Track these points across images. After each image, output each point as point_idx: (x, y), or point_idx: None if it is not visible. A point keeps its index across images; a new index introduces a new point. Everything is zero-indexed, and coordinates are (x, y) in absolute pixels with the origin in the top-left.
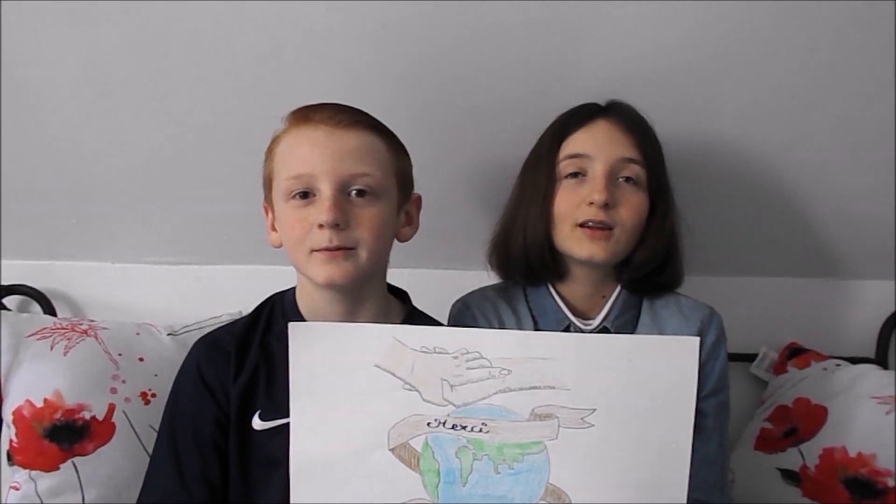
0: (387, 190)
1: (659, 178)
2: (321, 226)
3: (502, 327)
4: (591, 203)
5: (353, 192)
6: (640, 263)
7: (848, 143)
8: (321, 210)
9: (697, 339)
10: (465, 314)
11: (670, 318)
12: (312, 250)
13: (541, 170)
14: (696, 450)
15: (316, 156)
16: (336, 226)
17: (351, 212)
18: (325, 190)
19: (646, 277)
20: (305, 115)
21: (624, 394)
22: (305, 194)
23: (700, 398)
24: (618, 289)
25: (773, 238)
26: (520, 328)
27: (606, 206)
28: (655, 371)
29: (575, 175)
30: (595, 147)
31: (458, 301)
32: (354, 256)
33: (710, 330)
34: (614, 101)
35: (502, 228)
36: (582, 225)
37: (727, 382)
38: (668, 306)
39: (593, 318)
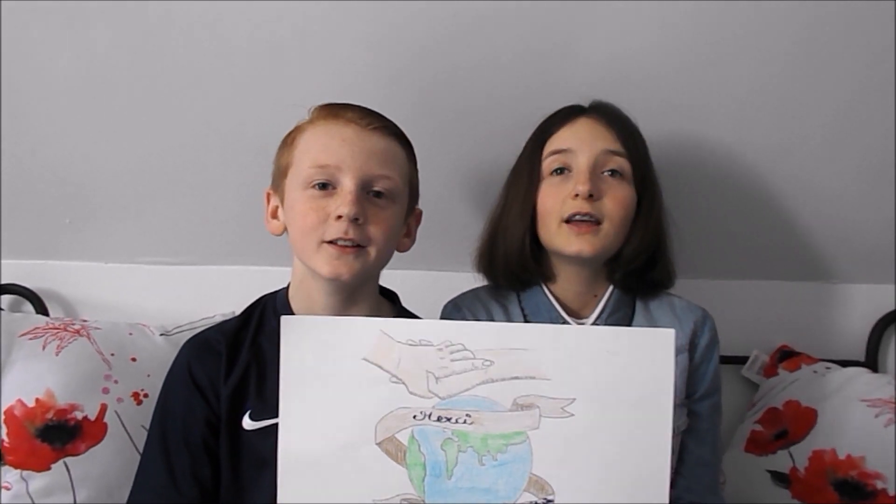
0: (401, 196)
1: (644, 172)
2: (339, 217)
3: None
4: (576, 196)
5: (373, 192)
6: (629, 258)
7: (840, 147)
8: (343, 202)
9: (672, 331)
10: (455, 315)
11: (663, 318)
12: (323, 241)
13: (522, 172)
14: (690, 451)
15: (345, 151)
16: (355, 220)
17: (368, 210)
18: (349, 184)
19: (637, 275)
20: (335, 112)
21: (603, 384)
22: (325, 185)
23: (694, 400)
24: (610, 288)
25: (764, 241)
26: None
27: (591, 198)
28: (633, 362)
29: (560, 172)
30: (578, 141)
31: (449, 302)
32: (364, 255)
33: (703, 332)
34: (597, 102)
35: (486, 235)
36: (568, 220)
37: (720, 385)
38: (661, 307)
39: (587, 318)
